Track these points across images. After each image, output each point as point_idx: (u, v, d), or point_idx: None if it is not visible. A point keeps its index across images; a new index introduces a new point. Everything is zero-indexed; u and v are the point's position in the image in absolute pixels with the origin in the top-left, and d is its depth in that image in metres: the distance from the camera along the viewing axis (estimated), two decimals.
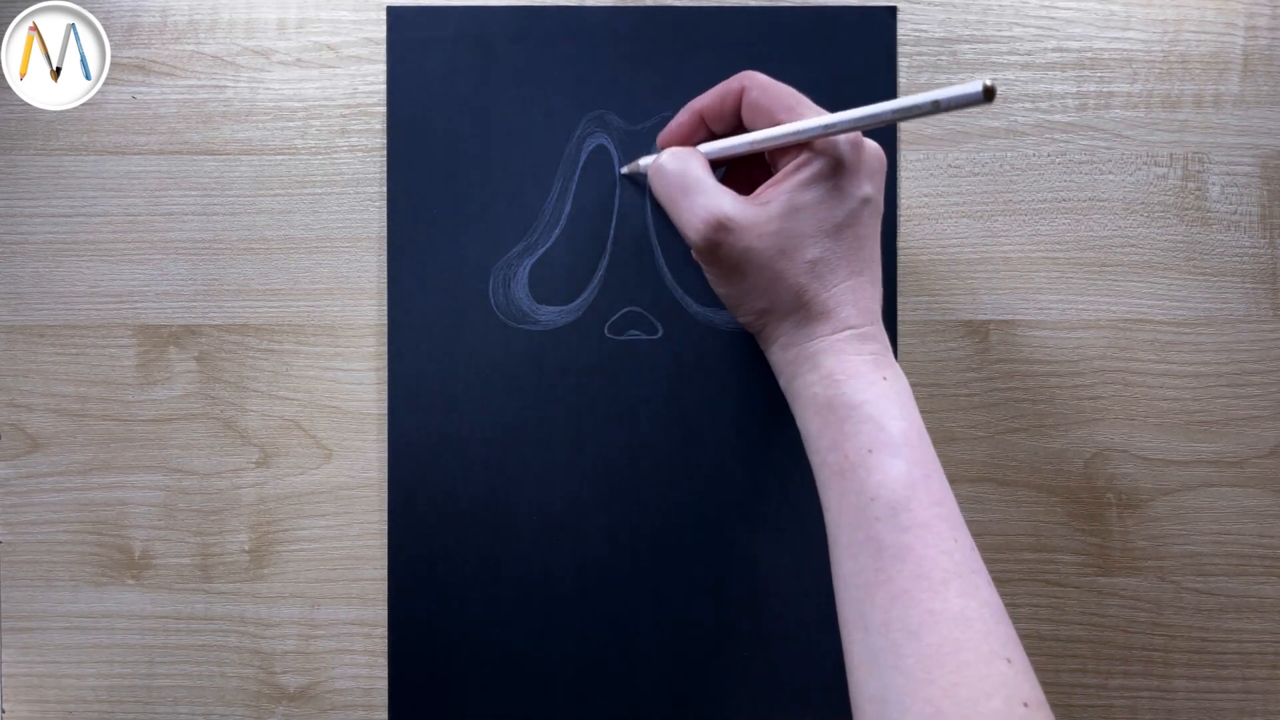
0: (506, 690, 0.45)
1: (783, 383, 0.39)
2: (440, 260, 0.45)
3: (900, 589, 0.32)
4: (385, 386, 0.46)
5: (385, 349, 0.46)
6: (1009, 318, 0.46)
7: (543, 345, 0.46)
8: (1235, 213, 0.46)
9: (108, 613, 0.46)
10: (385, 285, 0.46)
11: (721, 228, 0.36)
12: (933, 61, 0.46)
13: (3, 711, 0.46)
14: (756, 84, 0.38)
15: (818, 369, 0.36)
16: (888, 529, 0.33)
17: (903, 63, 0.46)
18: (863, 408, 0.35)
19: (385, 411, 0.46)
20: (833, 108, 0.36)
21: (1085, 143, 0.46)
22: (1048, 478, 0.46)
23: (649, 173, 0.40)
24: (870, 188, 0.36)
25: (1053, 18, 0.46)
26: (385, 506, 0.46)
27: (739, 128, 0.39)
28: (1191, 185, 0.46)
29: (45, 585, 0.46)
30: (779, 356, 0.38)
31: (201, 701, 0.46)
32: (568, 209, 0.46)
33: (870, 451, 0.34)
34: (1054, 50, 0.46)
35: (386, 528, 0.46)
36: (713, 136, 0.40)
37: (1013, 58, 0.46)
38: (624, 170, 0.45)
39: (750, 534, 0.45)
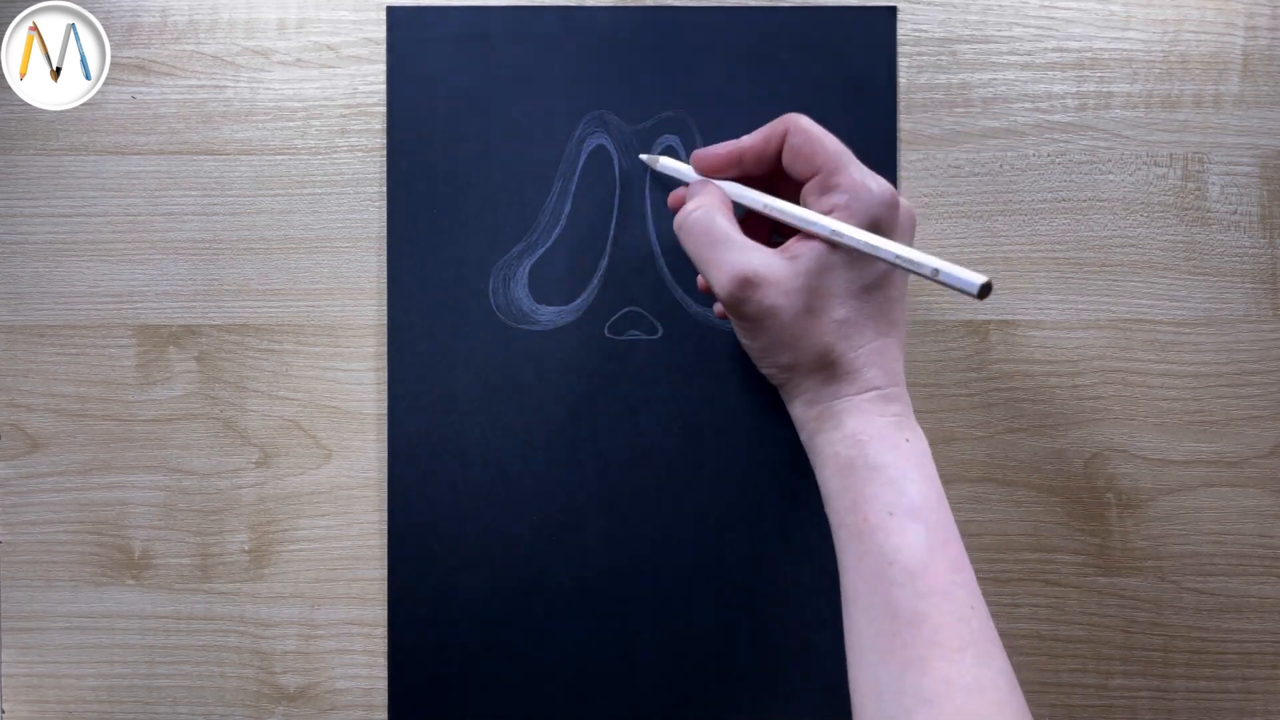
0: (506, 690, 0.45)
1: (804, 437, 0.39)
2: (440, 260, 0.45)
3: (916, 656, 0.32)
4: (385, 386, 0.46)
5: (385, 349, 0.46)
6: (1009, 318, 0.46)
7: (543, 345, 0.46)
8: (1235, 213, 0.46)
9: (108, 613, 0.46)
10: (385, 285, 0.46)
11: (748, 284, 0.36)
12: (933, 61, 0.46)
13: (3, 711, 0.46)
14: (800, 130, 0.37)
15: (841, 428, 0.36)
16: (905, 594, 0.33)
17: (903, 63, 0.46)
18: (885, 470, 0.35)
19: (385, 411, 0.46)
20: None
21: (1085, 143, 0.46)
22: (1048, 478, 0.46)
23: (675, 222, 0.39)
24: None
25: (1053, 18, 0.46)
26: (385, 506, 0.46)
27: (779, 169, 0.39)
28: (1191, 185, 0.46)
29: (45, 585, 0.46)
30: (802, 412, 0.38)
31: (201, 701, 0.46)
32: (568, 209, 0.46)
33: (890, 514, 0.34)
34: (1054, 50, 0.46)
35: (386, 528, 0.46)
36: (745, 174, 0.40)
37: (1013, 58, 0.46)
38: (642, 156, 0.45)
39: (750, 534, 0.45)
